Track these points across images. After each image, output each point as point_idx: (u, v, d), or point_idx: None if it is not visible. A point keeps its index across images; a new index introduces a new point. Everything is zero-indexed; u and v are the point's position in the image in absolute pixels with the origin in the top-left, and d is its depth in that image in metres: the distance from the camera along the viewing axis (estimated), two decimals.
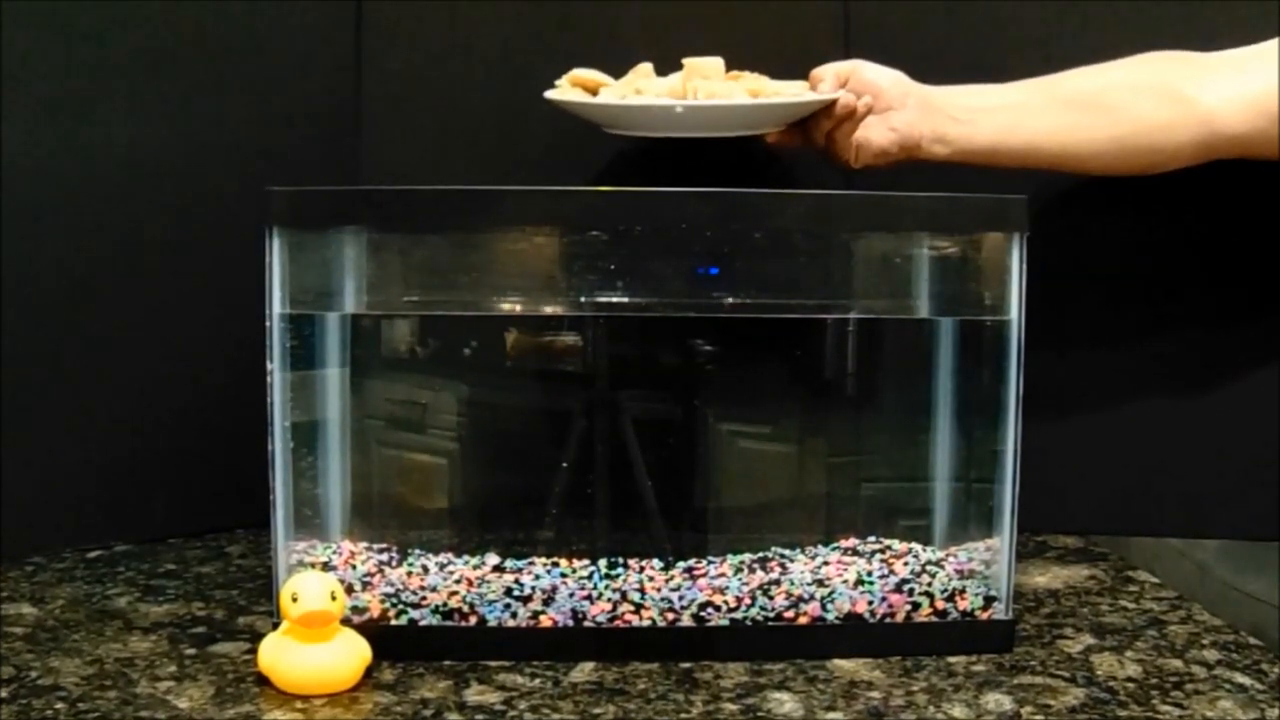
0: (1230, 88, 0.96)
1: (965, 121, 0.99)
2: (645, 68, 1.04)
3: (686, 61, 1.02)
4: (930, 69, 1.03)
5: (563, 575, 0.90)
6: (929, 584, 0.91)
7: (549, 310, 0.95)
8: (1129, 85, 0.99)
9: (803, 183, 1.14)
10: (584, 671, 0.85)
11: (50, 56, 1.05)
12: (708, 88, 0.99)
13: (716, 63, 1.02)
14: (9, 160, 1.04)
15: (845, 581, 0.90)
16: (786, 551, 0.95)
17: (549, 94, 1.03)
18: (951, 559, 0.94)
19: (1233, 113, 0.96)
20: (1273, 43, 0.98)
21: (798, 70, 1.04)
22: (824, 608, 0.89)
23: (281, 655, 0.81)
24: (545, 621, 0.87)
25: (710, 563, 0.93)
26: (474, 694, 0.81)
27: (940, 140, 1.00)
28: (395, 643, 0.86)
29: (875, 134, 1.00)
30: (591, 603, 0.88)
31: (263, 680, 0.82)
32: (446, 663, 0.86)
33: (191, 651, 0.87)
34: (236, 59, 1.13)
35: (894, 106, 1.00)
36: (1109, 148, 0.99)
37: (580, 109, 1.02)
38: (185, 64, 1.11)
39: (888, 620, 0.89)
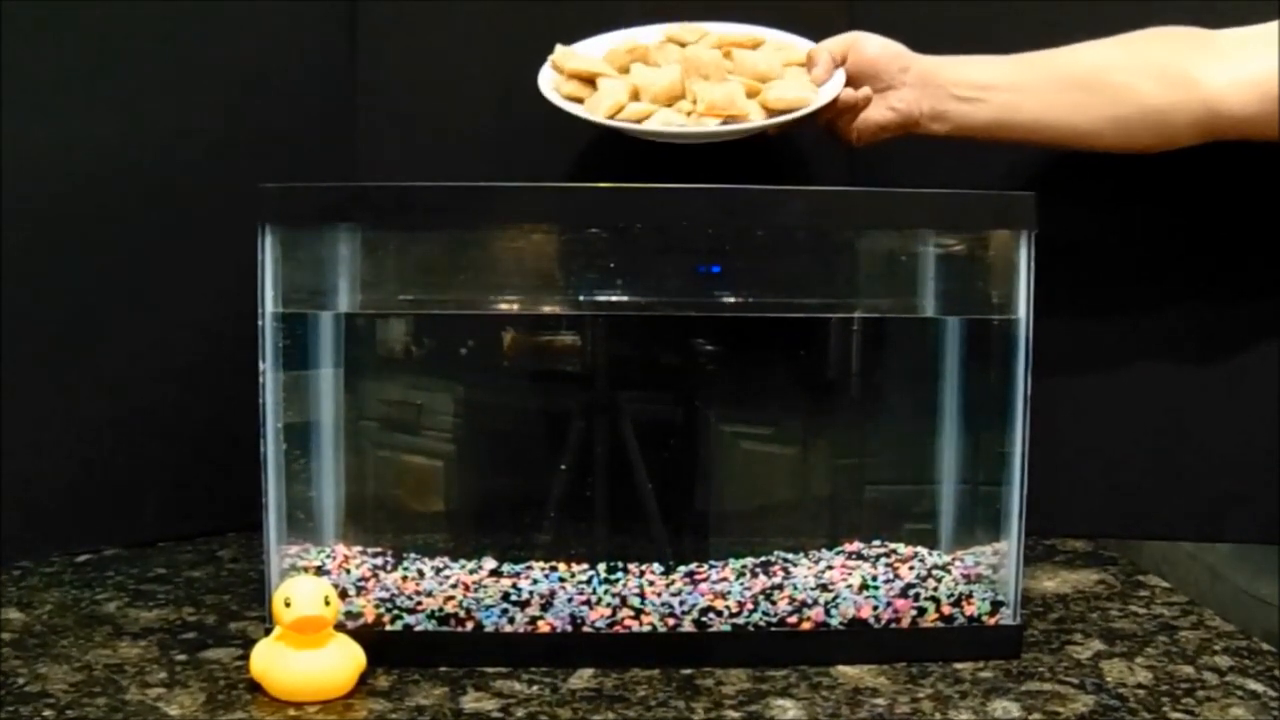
0: (1234, 70, 0.95)
1: (965, 99, 1.00)
2: (641, 49, 1.03)
3: (685, 55, 1.01)
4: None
5: (561, 580, 0.90)
6: (935, 588, 0.90)
7: (547, 309, 0.94)
8: (1132, 65, 0.98)
9: (805, 178, 1.13)
10: (583, 678, 0.84)
11: (45, 55, 1.05)
12: (708, 92, 0.98)
13: (715, 58, 1.01)
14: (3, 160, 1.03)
15: (849, 586, 0.89)
16: (790, 555, 0.94)
17: (551, 97, 1.02)
18: (958, 563, 0.93)
19: (1236, 96, 0.95)
20: (1275, 24, 0.97)
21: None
22: (828, 613, 0.88)
23: (274, 661, 0.80)
24: (543, 627, 0.86)
25: (712, 567, 0.92)
26: (471, 701, 0.80)
27: (939, 118, 1.01)
28: (390, 649, 0.85)
29: (875, 113, 1.02)
30: (591, 608, 0.87)
31: (255, 687, 0.81)
32: (442, 669, 0.85)
33: (182, 657, 0.86)
34: (231, 56, 1.13)
35: (894, 85, 1.01)
36: (1110, 128, 0.99)
37: (580, 120, 1.01)
38: (180, 61, 1.10)
39: (893, 625, 0.88)
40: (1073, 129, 0.99)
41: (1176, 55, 0.97)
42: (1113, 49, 0.99)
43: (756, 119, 0.98)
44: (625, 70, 1.03)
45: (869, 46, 1.01)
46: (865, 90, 1.00)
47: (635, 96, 1.00)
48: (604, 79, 1.02)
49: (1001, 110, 1.00)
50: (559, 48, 1.05)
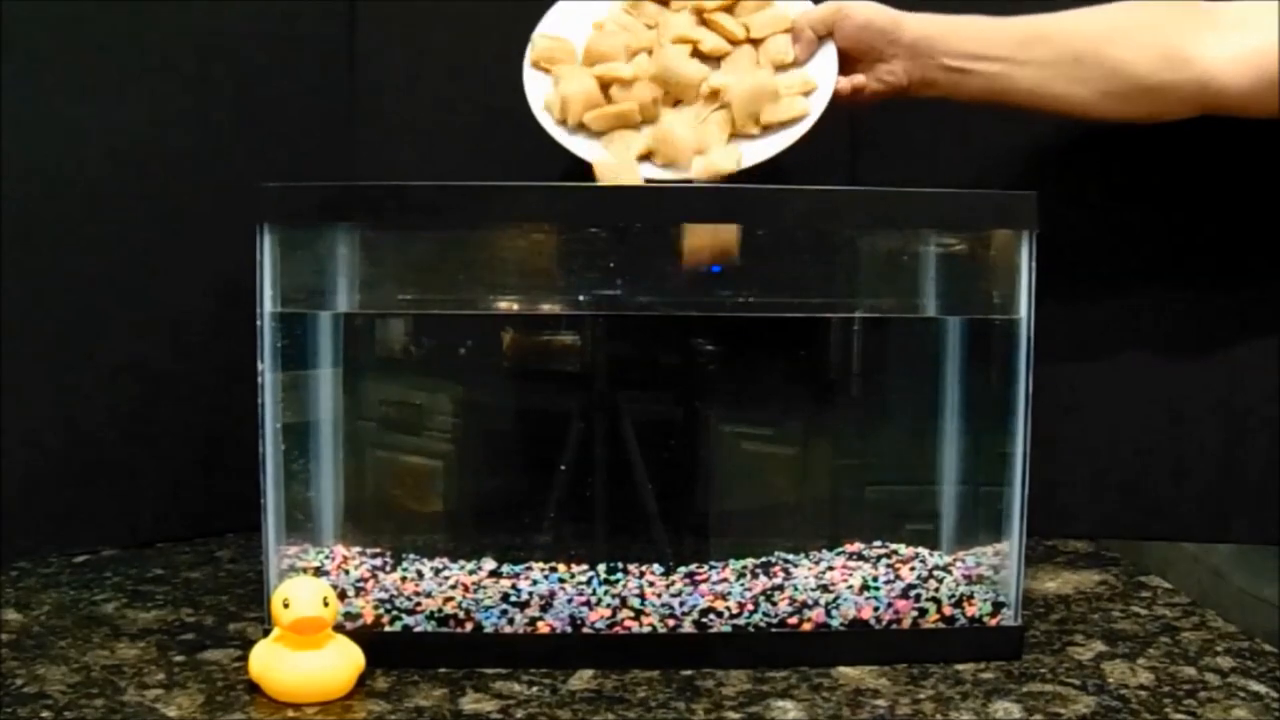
0: (1232, 46, 0.94)
1: (955, 69, 0.98)
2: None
3: (661, 68, 0.97)
4: None
5: (561, 580, 0.89)
6: (936, 589, 0.89)
7: (547, 309, 0.93)
8: (1129, 39, 0.96)
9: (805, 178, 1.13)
10: (583, 679, 0.84)
11: (44, 54, 1.05)
12: (713, 165, 0.95)
13: (692, 79, 0.96)
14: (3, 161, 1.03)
15: (850, 587, 0.89)
16: (790, 556, 0.94)
17: (551, 129, 0.99)
18: (959, 564, 0.93)
19: (1233, 72, 0.94)
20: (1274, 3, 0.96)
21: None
22: (829, 614, 0.87)
23: (272, 662, 0.80)
24: (543, 628, 0.86)
25: (712, 568, 0.91)
26: (470, 702, 0.80)
27: (929, 86, 1.00)
28: (389, 650, 0.84)
29: (866, 85, 1.00)
30: (590, 609, 0.87)
31: (253, 688, 0.81)
32: (442, 670, 0.84)
33: (180, 659, 0.86)
34: (230, 55, 1.12)
35: (882, 58, 0.99)
36: (1103, 101, 0.98)
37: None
38: (178, 60, 1.10)
39: (894, 627, 0.88)
40: (1064, 100, 0.98)
41: (1174, 29, 0.96)
42: (1110, 19, 0.98)
43: (751, 131, 0.97)
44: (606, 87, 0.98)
45: (856, 19, 0.98)
46: (858, 79, 0.99)
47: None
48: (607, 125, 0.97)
49: (993, 81, 0.98)
50: (534, 41, 1.01)
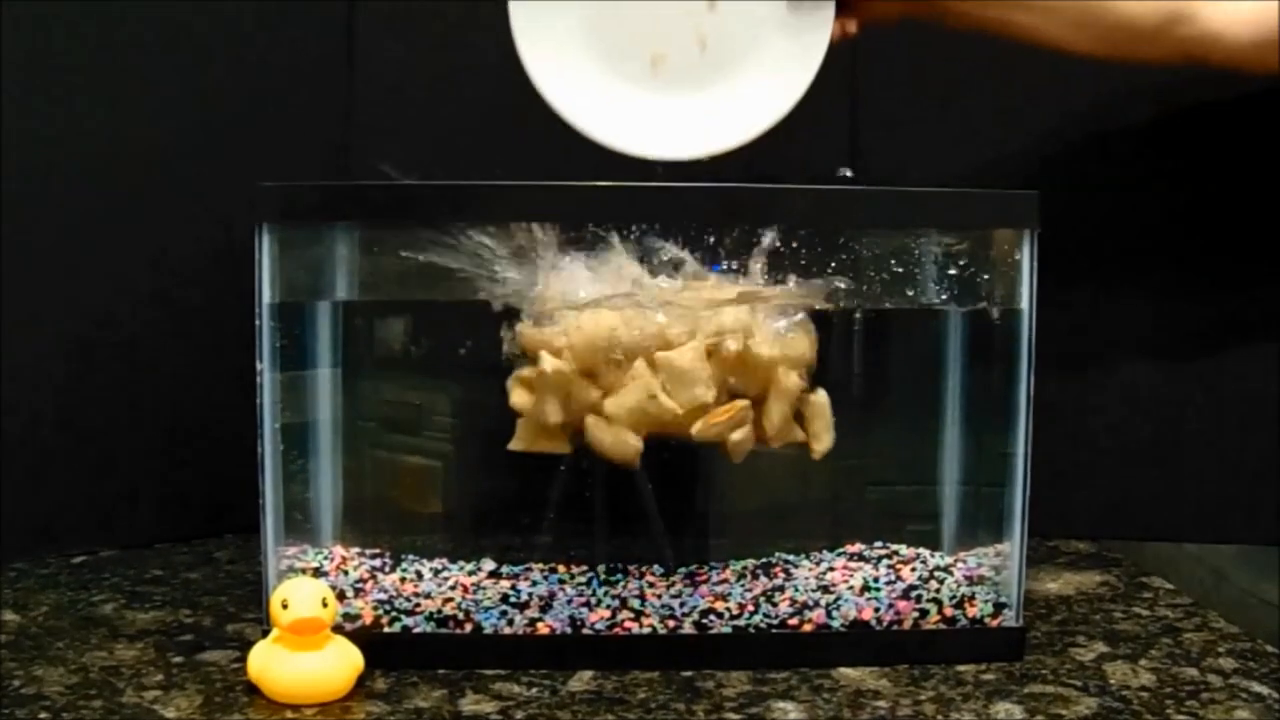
0: (1234, 2, 0.94)
1: (956, 11, 0.97)
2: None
3: None
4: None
5: (560, 581, 0.89)
6: (937, 590, 0.89)
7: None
8: None
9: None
10: (582, 680, 0.83)
11: (44, 54, 1.05)
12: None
13: None
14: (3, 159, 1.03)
15: (851, 588, 0.89)
16: (791, 557, 0.94)
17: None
18: (960, 564, 0.93)
19: (1235, 30, 0.94)
20: None
21: None
22: (829, 615, 0.87)
23: (271, 663, 0.80)
24: (542, 629, 0.86)
25: (712, 569, 0.91)
26: (469, 703, 0.79)
27: (926, 15, 0.99)
28: (388, 651, 0.84)
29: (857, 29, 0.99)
30: (590, 610, 0.86)
31: (252, 689, 0.80)
32: (441, 671, 0.84)
33: (179, 660, 0.86)
34: (230, 54, 1.12)
35: None
36: (1098, 46, 0.97)
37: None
38: (177, 59, 1.10)
39: (895, 628, 0.88)
40: (1060, 41, 0.97)
41: None
42: None
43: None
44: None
45: None
46: (850, 26, 0.98)
47: None
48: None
49: (990, 21, 0.97)
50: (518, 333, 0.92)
